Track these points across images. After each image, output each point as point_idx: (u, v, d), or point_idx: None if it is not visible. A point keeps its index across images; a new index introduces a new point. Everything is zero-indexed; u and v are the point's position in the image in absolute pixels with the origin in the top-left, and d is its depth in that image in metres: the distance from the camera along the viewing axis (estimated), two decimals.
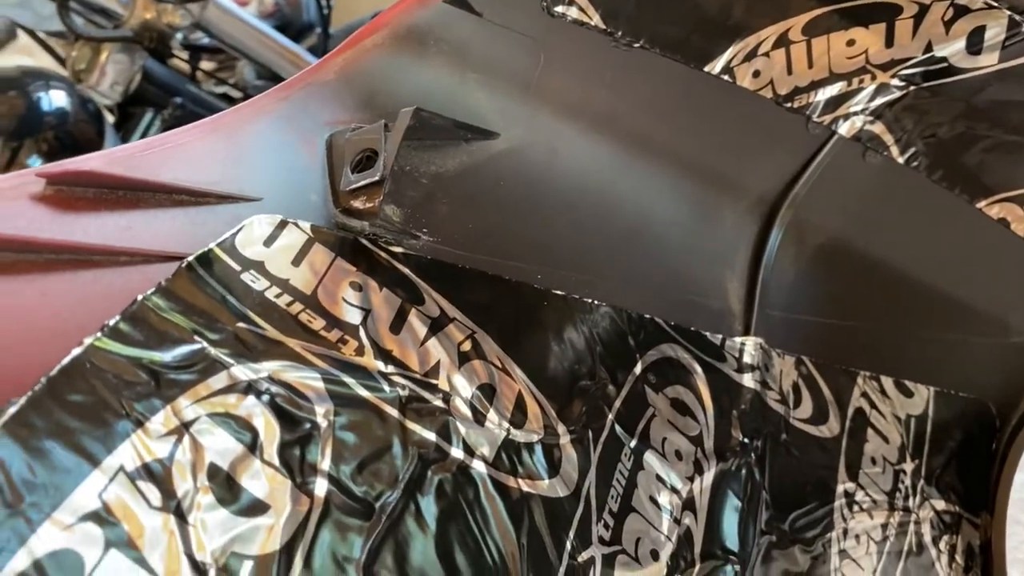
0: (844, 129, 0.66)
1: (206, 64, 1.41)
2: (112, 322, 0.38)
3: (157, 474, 0.36)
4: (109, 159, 0.43)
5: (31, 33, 1.33)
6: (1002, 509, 0.81)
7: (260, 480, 0.38)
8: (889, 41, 0.61)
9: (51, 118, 1.20)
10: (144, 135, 1.30)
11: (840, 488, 0.70)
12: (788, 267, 0.74)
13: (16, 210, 0.39)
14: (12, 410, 0.34)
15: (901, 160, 0.68)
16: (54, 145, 1.16)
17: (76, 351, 0.36)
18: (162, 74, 1.28)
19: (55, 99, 1.22)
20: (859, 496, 0.71)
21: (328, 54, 0.55)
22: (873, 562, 0.70)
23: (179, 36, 1.23)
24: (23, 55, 1.40)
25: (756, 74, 0.62)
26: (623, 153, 0.63)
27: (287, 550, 0.38)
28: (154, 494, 0.36)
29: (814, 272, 0.75)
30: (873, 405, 0.75)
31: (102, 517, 0.34)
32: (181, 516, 0.36)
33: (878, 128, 0.66)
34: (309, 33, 1.57)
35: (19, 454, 0.33)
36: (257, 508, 0.38)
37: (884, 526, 0.72)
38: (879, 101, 0.64)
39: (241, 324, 0.41)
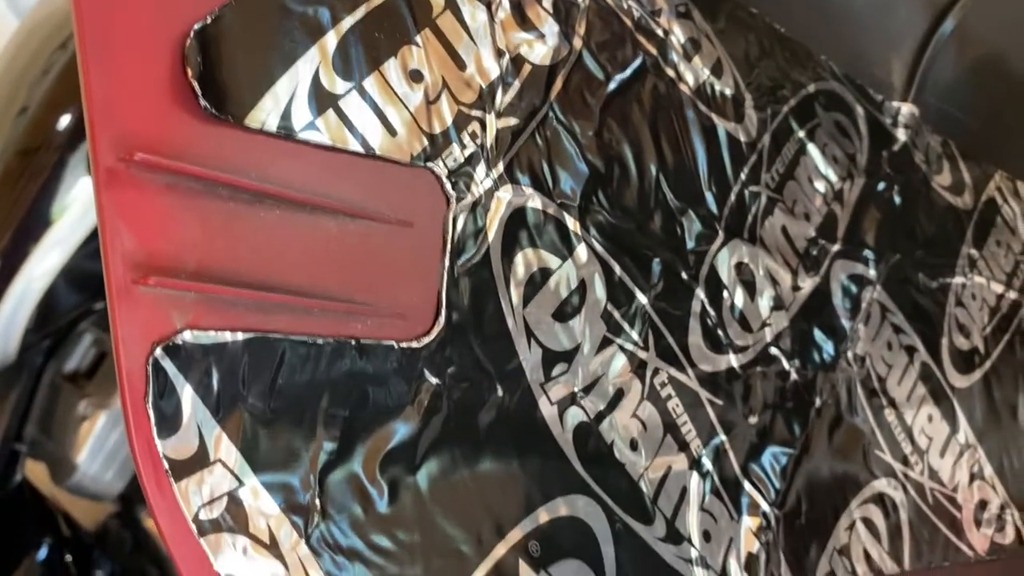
0: None
1: None
2: None
3: None
4: None
5: None
6: None
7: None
8: None
9: None
10: None
11: (965, 250, 0.79)
12: (949, 66, 0.83)
13: None
14: None
15: None
16: None
17: None
18: None
19: None
20: (980, 264, 0.80)
21: None
22: (983, 319, 0.79)
23: None
24: None
25: None
26: None
27: (551, 71, 0.51)
28: None
29: (972, 77, 0.84)
30: (1005, 200, 0.84)
31: None
32: None
33: None
34: None
35: None
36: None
37: (999, 297, 0.81)
38: None
39: None
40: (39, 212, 1.14)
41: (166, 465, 0.36)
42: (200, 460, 0.37)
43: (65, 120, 1.06)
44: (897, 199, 0.73)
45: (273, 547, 0.38)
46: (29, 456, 1.42)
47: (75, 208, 1.12)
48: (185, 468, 0.36)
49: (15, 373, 1.43)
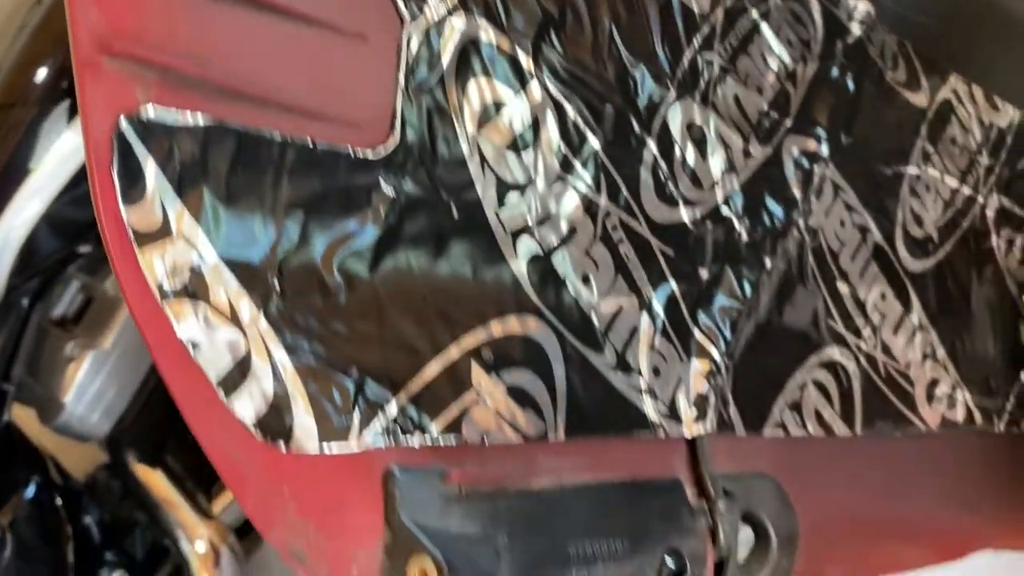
0: None
1: None
2: None
3: None
4: None
5: None
6: None
7: None
8: None
9: None
10: None
11: (919, 143, 0.81)
12: None
13: None
14: None
15: None
16: None
17: None
18: None
19: None
20: (934, 158, 0.83)
21: None
22: (937, 211, 0.82)
23: None
24: None
25: None
26: None
27: None
28: None
29: None
30: (960, 101, 0.87)
31: None
32: None
33: None
34: None
35: None
36: None
37: (953, 192, 0.84)
38: None
39: None
40: (17, 164, 1.16)
41: (130, 233, 0.38)
42: (163, 232, 0.39)
43: (42, 74, 1.08)
44: (851, 85, 0.76)
45: (233, 319, 0.40)
46: (16, 399, 1.44)
47: (54, 158, 1.15)
48: (148, 238, 0.39)
49: (1, 316, 1.45)
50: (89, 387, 1.41)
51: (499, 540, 0.44)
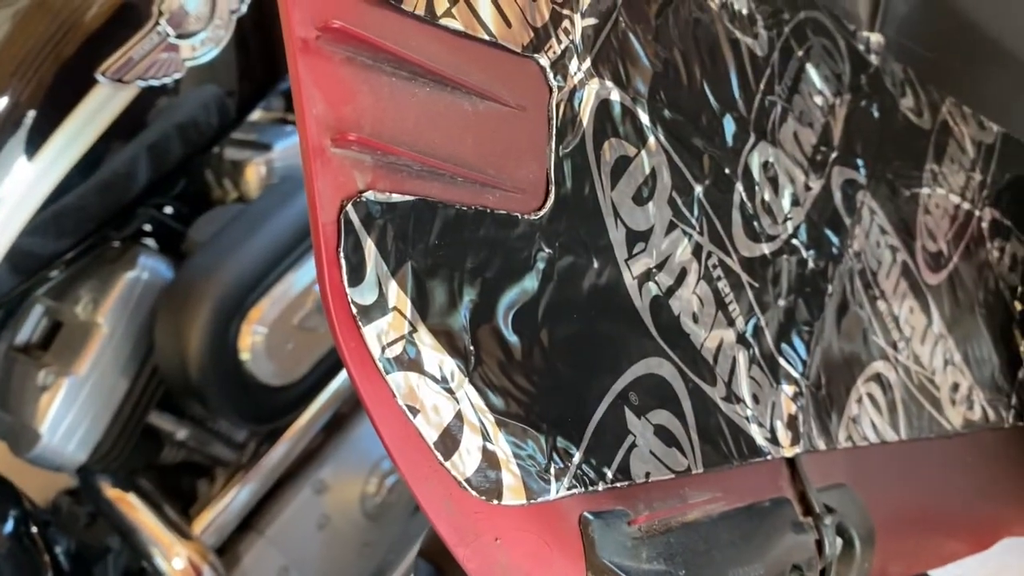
0: None
1: None
2: None
3: None
4: None
5: None
6: None
7: None
8: None
9: None
10: None
11: (928, 165, 0.88)
12: (904, 1, 0.92)
13: None
14: None
15: None
16: None
17: None
18: None
19: None
20: (940, 178, 0.90)
21: None
22: (945, 226, 0.89)
23: None
24: None
25: None
26: None
27: None
28: None
29: (924, 11, 0.93)
30: (955, 122, 0.94)
31: None
32: None
33: None
34: None
35: None
36: None
37: (956, 207, 0.91)
38: None
39: None
40: None
41: (354, 310, 0.40)
42: (380, 307, 0.41)
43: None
44: (876, 114, 0.81)
45: (443, 385, 0.43)
46: None
47: (13, 194, 1.12)
48: (368, 314, 0.41)
49: None
50: (65, 416, 1.38)
51: (679, 573, 0.47)
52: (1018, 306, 0.97)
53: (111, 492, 1.43)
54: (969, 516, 0.80)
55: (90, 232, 1.32)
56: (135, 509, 1.42)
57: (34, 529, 1.35)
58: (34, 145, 1.13)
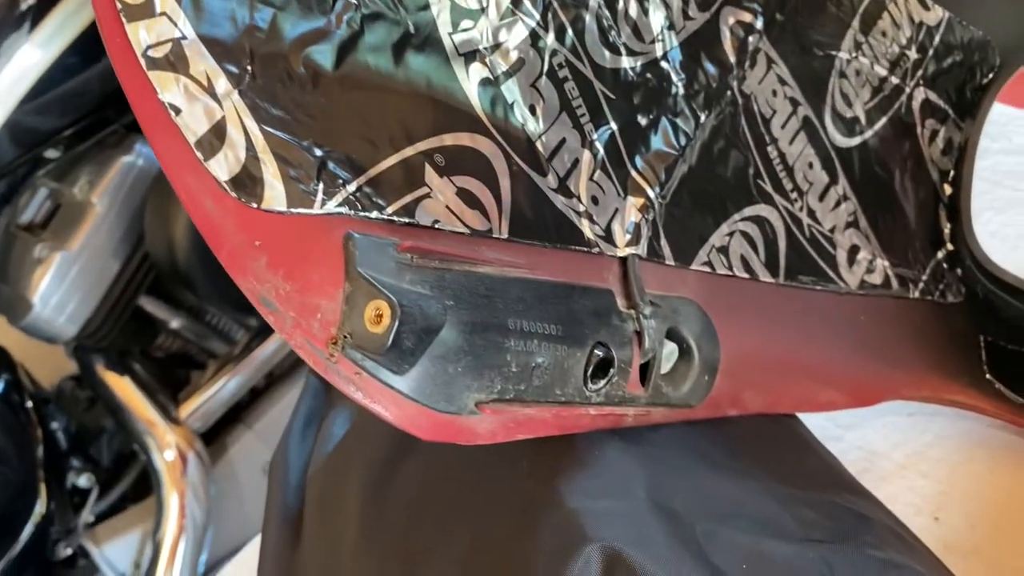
0: None
1: None
2: None
3: None
4: None
5: None
6: (979, 124, 0.99)
7: None
8: None
9: None
10: None
11: (851, 33, 0.88)
12: None
13: None
14: None
15: None
16: None
17: None
18: None
19: None
20: (864, 47, 0.89)
21: None
22: (866, 95, 0.88)
23: None
24: None
25: None
26: None
27: None
28: None
29: None
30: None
31: None
32: None
33: None
34: None
35: None
36: None
37: (882, 80, 0.90)
38: None
39: None
40: None
41: (119, 5, 0.43)
42: (148, 9, 0.44)
43: None
44: None
45: (210, 90, 0.46)
46: None
47: (13, 70, 1.18)
48: (135, 12, 0.44)
49: None
50: (56, 289, 1.45)
51: (445, 301, 0.50)
52: (948, 189, 0.96)
53: (107, 374, 1.51)
54: (852, 370, 0.80)
55: (90, 111, 1.39)
56: (128, 392, 1.50)
57: (29, 404, 1.44)
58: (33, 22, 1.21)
